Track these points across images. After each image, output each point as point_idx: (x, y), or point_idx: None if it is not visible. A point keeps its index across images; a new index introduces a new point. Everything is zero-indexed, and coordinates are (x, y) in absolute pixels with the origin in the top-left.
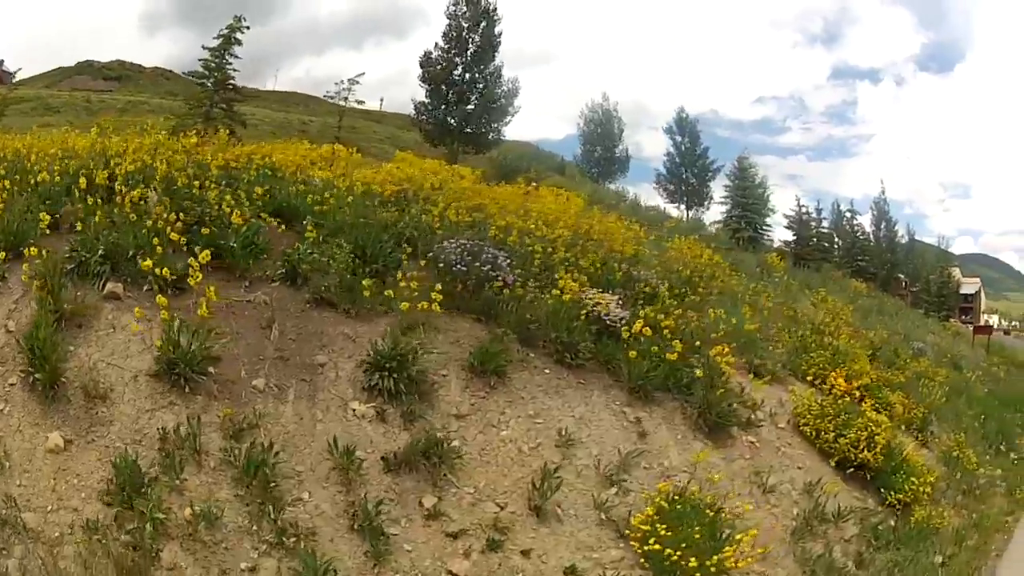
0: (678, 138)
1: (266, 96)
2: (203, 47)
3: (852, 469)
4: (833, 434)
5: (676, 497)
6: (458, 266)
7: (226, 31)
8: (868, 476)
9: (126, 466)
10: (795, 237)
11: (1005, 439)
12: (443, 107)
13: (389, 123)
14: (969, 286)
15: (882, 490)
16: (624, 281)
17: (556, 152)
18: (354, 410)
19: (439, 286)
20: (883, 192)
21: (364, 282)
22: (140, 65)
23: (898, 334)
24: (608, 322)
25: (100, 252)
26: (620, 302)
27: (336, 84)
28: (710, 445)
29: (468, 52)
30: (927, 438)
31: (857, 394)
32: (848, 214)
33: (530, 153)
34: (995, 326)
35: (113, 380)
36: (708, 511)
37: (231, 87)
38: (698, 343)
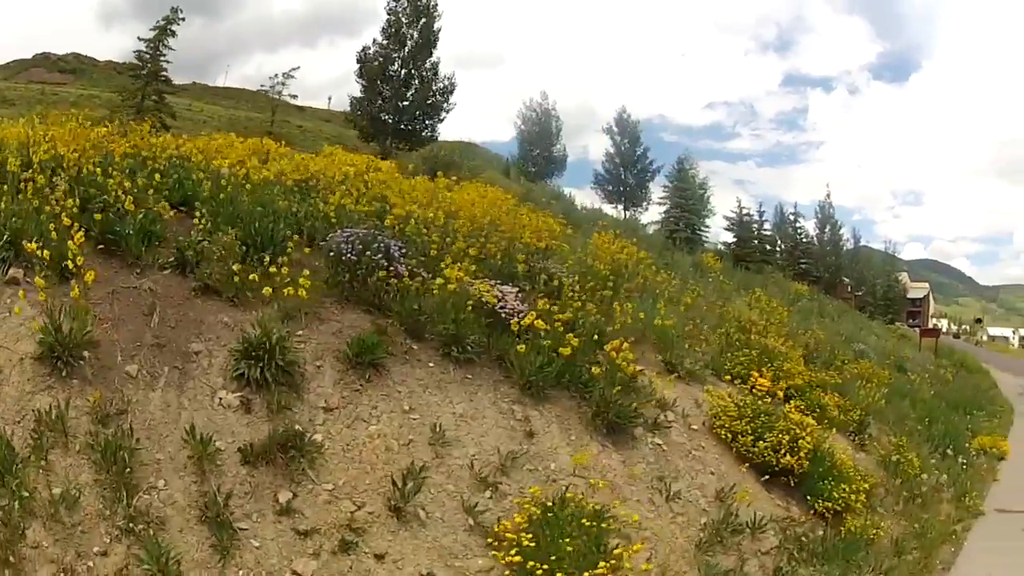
0: (618, 138)
1: (216, 92)
2: (139, 39)
3: (774, 475)
4: (751, 437)
5: (551, 504)
6: (348, 255)
7: (162, 23)
8: (792, 483)
9: (2, 445)
10: (735, 239)
11: (953, 442)
12: (379, 103)
13: (337, 121)
14: (917, 291)
15: (808, 497)
16: (529, 274)
17: (504, 153)
18: (221, 399)
19: (307, 272)
20: (828, 196)
21: (248, 270)
22: (94, 59)
23: (839, 336)
24: (503, 315)
25: (5, 238)
26: (520, 295)
27: (270, 78)
28: (608, 447)
29: (406, 48)
30: (865, 441)
31: (781, 395)
32: (791, 217)
33: (474, 153)
34: (943, 330)
35: (2, 362)
36: (590, 520)
37: (163, 79)
38: (595, 337)
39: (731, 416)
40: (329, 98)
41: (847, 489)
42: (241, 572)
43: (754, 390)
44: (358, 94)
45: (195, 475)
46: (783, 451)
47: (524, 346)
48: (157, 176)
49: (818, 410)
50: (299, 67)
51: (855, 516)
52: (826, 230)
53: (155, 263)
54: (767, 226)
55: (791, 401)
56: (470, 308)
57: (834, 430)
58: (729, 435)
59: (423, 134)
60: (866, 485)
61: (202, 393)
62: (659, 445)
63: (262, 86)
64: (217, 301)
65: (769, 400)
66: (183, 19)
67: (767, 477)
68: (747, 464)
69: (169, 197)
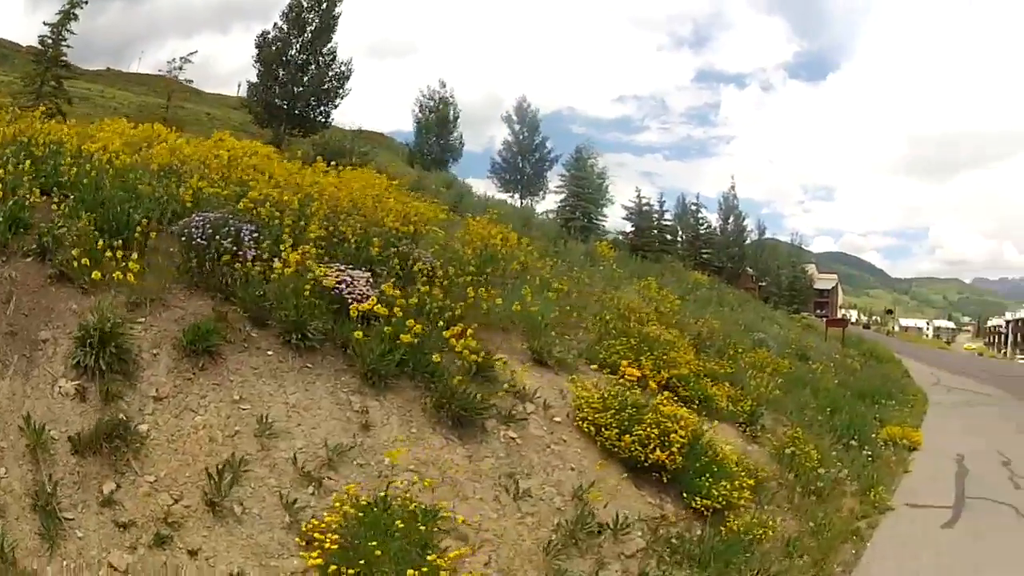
0: (517, 127)
1: (129, 78)
2: (44, 23)
3: (645, 471)
4: (616, 430)
5: (369, 503)
6: (198, 239)
7: (66, 6)
8: (664, 479)
9: None
10: (634, 228)
11: (858, 433)
12: (275, 88)
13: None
14: (826, 282)
15: (685, 495)
16: (385, 259)
17: (410, 142)
18: (60, 388)
19: (136, 256)
20: (733, 187)
21: (96, 255)
22: (17, 44)
23: (738, 325)
24: (350, 301)
25: None
26: (371, 280)
27: (168, 62)
28: (453, 441)
29: (306, 33)
30: (757, 433)
31: (654, 385)
32: (693, 207)
33: (375, 141)
34: (852, 320)
35: None
36: (418, 520)
37: (63, 64)
38: (440, 323)
39: (595, 408)
40: (239, 85)
41: (728, 485)
42: (65, 562)
43: (623, 380)
44: (256, 79)
45: (31, 464)
46: (652, 445)
47: (362, 332)
48: (28, 163)
49: (703, 401)
50: (196, 51)
51: (738, 514)
52: (729, 221)
53: (20, 250)
54: (668, 216)
55: (666, 392)
56: (308, 292)
57: (716, 422)
58: (592, 428)
59: (317, 120)
60: (751, 481)
61: (44, 381)
62: (513, 439)
63: (160, 71)
64: (70, 288)
65: (639, 391)
66: (86, 2)
67: (637, 473)
68: (614, 460)
69: (44, 184)
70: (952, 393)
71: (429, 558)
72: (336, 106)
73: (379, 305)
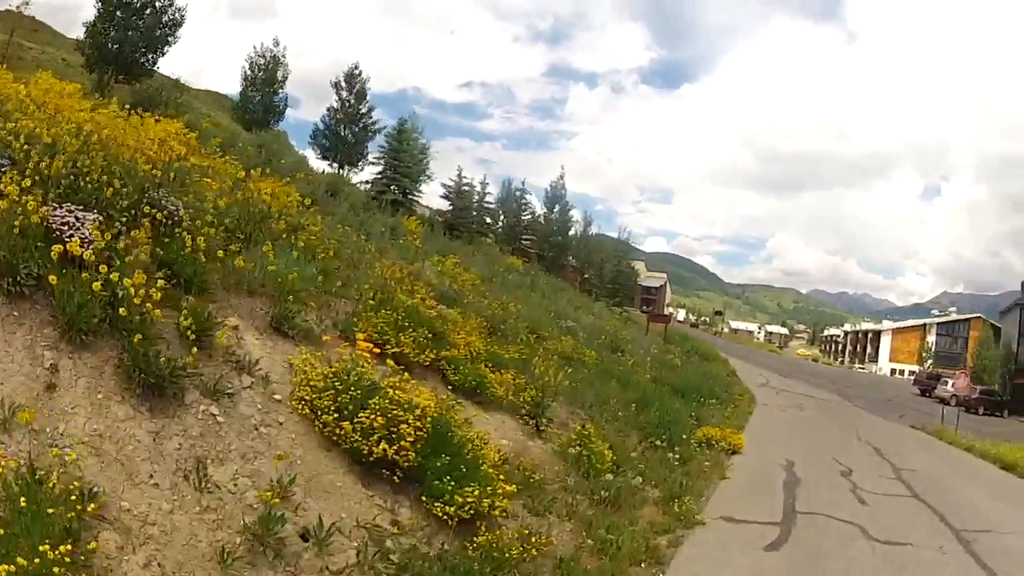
0: (345, 94)
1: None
2: None
3: (378, 467)
4: (335, 415)
5: (20, 478)
6: None
7: None
8: (397, 478)
9: None
10: (451, 207)
11: (670, 432)
12: (111, 31)
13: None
14: (655, 280)
15: (424, 499)
16: (133, 204)
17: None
18: None
19: None
20: (561, 177)
21: None
22: None
23: (548, 312)
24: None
25: None
26: (102, 224)
27: None
28: (143, 413)
29: None
30: (543, 426)
31: (392, 363)
32: (518, 193)
33: (215, 101)
34: (678, 317)
35: None
36: (72, 504)
37: None
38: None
39: (316, 387)
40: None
41: (478, 490)
42: None
43: (354, 355)
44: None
45: None
46: (377, 436)
47: (56, 278)
48: None
49: (477, 387)
50: None
51: (494, 526)
52: (554, 210)
53: None
54: (490, 199)
55: (407, 372)
56: (20, 232)
57: (485, 412)
58: (310, 411)
59: (143, 66)
60: (510, 487)
61: None
62: (214, 416)
63: (9, 6)
64: None
65: (369, 368)
66: None
67: (369, 470)
68: (340, 451)
69: None
70: (783, 395)
71: (61, 549)
72: (164, 53)
73: (84, 249)
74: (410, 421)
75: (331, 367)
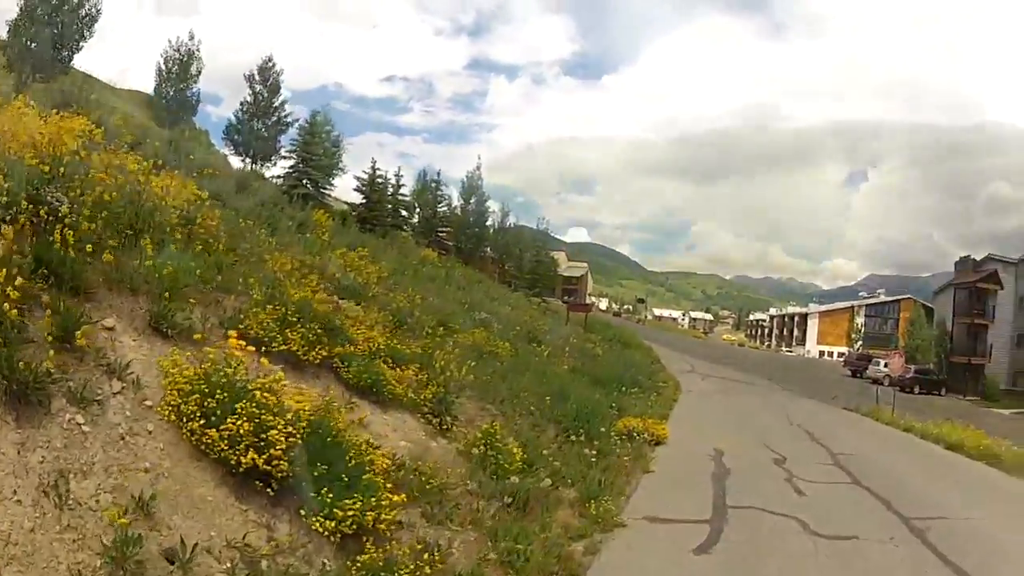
0: (258, 87)
1: None
2: None
3: (251, 478)
4: (201, 421)
5: None
6: None
7: None
8: (272, 491)
9: None
10: (364, 200)
11: (588, 425)
12: (32, 29)
13: None
14: (576, 270)
15: (302, 513)
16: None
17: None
18: None
19: None
20: (478, 167)
21: None
22: None
23: (462, 304)
24: None
25: None
26: None
27: None
28: (10, 423)
29: None
30: (447, 425)
31: (266, 361)
32: (433, 185)
33: (134, 99)
34: (600, 307)
35: None
36: None
37: None
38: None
39: (183, 391)
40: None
41: (358, 503)
42: None
43: (226, 354)
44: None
45: None
46: (244, 444)
47: None
48: None
49: (373, 385)
50: None
51: (382, 542)
52: (471, 201)
53: None
54: (405, 191)
55: (298, 371)
56: None
57: (380, 410)
58: (176, 417)
59: (59, 63)
60: (398, 497)
61: None
62: (79, 425)
63: None
64: None
65: (241, 368)
66: None
67: (243, 481)
68: (210, 461)
69: None
70: (709, 381)
71: None
72: (79, 49)
73: None
74: (280, 427)
75: (200, 368)
